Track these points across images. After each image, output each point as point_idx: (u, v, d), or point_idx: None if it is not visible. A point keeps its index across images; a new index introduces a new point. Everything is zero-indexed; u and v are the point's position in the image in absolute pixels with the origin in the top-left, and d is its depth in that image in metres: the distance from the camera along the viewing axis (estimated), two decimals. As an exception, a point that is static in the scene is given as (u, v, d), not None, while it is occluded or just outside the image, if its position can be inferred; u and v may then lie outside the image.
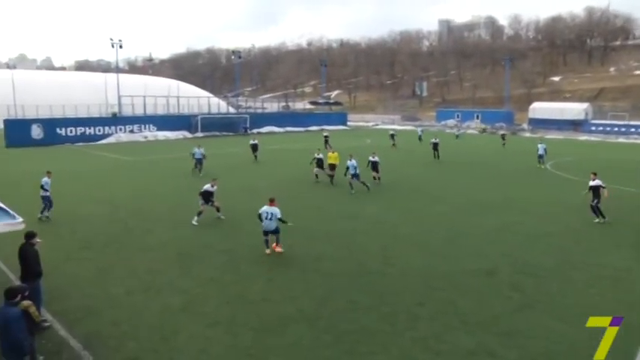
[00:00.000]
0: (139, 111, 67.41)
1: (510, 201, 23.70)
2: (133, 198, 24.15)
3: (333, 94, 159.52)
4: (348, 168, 25.56)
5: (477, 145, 54.99)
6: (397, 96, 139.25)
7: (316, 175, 28.96)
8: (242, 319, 10.97)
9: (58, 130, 54.59)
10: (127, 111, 67.39)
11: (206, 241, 16.78)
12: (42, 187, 19.81)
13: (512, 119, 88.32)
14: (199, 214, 18.98)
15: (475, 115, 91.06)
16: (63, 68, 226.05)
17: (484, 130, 78.12)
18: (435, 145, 40.01)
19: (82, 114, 66.90)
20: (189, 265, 14.45)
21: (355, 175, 25.45)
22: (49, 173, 20.50)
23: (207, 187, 19.26)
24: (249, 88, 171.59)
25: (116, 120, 61.58)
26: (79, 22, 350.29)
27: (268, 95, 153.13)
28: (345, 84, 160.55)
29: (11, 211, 10.28)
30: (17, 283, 10.81)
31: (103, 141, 56.40)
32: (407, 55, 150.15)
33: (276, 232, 15.31)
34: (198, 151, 32.09)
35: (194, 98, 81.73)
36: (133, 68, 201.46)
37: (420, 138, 55.34)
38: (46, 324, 10.47)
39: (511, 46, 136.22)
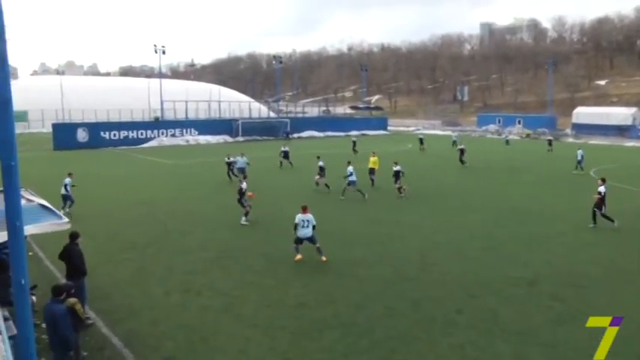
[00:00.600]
0: (180, 115, 68.73)
1: (551, 208, 23.15)
2: (173, 200, 24.62)
3: (374, 98, 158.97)
4: (350, 174, 25.21)
5: (521, 150, 53.90)
6: (438, 101, 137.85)
7: (317, 184, 27.98)
8: (280, 323, 11.05)
9: (102, 133, 56.23)
10: (169, 115, 68.84)
11: (245, 245, 16.98)
12: (64, 186, 21.57)
13: (554, 124, 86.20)
14: (247, 213, 19.85)
15: (517, 120, 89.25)
16: (108, 74, 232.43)
17: (527, 136, 76.55)
18: (462, 152, 39.70)
19: (126, 118, 68.87)
20: (228, 268, 14.64)
21: (352, 182, 25.13)
22: (70, 175, 22.17)
23: (242, 185, 20.29)
24: (290, 93, 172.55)
25: (158, 124, 62.96)
26: (124, 29, 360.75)
27: (309, 100, 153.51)
28: (386, 89, 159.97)
29: (57, 211, 10.63)
30: (63, 281, 11.17)
31: (145, 145, 57.74)
32: (448, 59, 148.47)
33: (312, 240, 15.19)
34: (241, 160, 30.13)
35: (235, 103, 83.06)
36: (176, 73, 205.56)
37: (454, 143, 54.97)
38: (90, 321, 10.79)
39: (554, 49, 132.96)
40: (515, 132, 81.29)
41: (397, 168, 26.47)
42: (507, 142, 62.05)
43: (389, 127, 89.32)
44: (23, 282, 5.91)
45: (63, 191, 21.63)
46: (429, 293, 12.71)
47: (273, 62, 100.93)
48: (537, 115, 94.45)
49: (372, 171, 28.44)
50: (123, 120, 64.92)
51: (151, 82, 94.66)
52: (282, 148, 38.46)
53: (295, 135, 70.86)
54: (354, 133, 70.03)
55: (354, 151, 46.72)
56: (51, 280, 12.66)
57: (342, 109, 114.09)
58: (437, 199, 25.46)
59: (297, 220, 15.15)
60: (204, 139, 63.07)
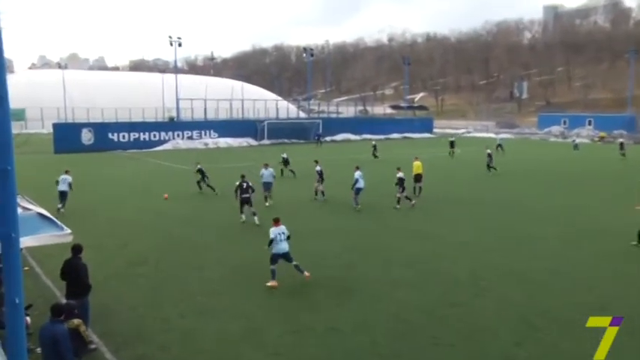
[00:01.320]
0: (198, 115, 69.66)
1: (628, 227, 22.51)
2: (189, 210, 24.84)
3: (417, 96, 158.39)
4: (357, 181, 25.34)
5: (590, 156, 52.85)
6: (492, 98, 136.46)
7: (315, 192, 28.16)
8: (308, 352, 10.97)
9: (109, 135, 57.48)
10: (186, 115, 69.84)
11: (268, 261, 16.95)
12: (68, 184, 24.34)
13: (634, 125, 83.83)
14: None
15: (587, 121, 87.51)
16: (116, 68, 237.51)
17: (601, 139, 74.80)
18: (490, 156, 39.70)
19: (137, 118, 69.96)
20: (249, 287, 14.65)
21: (358, 190, 25.23)
22: (67, 172, 24.94)
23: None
24: (322, 90, 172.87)
25: (173, 125, 63.94)
26: (135, 18, 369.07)
27: (343, 98, 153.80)
28: (432, 85, 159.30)
29: (57, 222, 10.79)
30: (63, 300, 11.32)
31: (159, 148, 58.69)
32: (504, 49, 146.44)
33: (288, 257, 15.00)
34: (266, 173, 26.87)
35: (260, 101, 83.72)
36: (193, 68, 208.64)
37: (498, 147, 54.80)
38: (93, 346, 10.87)
39: (638, 33, 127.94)
40: (585, 134, 79.71)
41: (400, 175, 26.38)
42: (576, 146, 60.91)
43: (435, 130, 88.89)
44: (17, 301, 5.89)
45: (64, 188, 24.16)
46: (482, 322, 12.45)
47: (304, 55, 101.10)
48: (613, 114, 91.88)
49: (417, 177, 28.98)
50: (133, 120, 66.03)
51: (166, 77, 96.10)
52: (282, 155, 38.45)
53: (328, 138, 71.04)
54: (374, 137, 69.72)
55: (375, 156, 48.57)
56: (49, 298, 12.84)
57: (381, 109, 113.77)
58: (490, 211, 25.10)
59: (272, 235, 14.85)
60: (225, 142, 63.82)
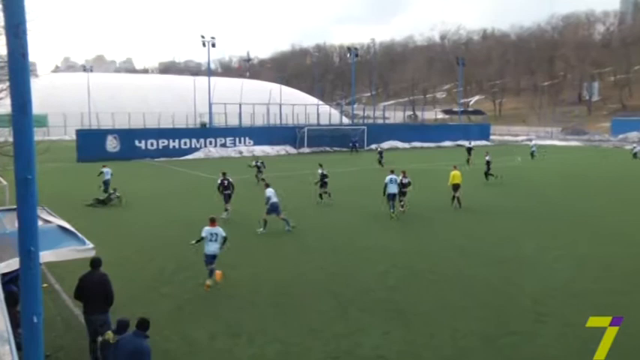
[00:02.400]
0: (233, 121, 70.40)
1: None
2: (221, 223, 25.02)
3: (473, 100, 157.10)
4: (386, 185, 26.58)
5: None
6: (557, 101, 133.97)
7: (320, 196, 30.70)
8: (348, 381, 10.91)
9: (136, 142, 58.48)
10: (219, 121, 70.63)
11: (310, 279, 16.98)
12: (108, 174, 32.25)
13: None
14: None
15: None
16: (145, 71, 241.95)
17: None
18: (488, 164, 40.06)
19: (166, 124, 71.20)
20: (285, 308, 14.66)
21: (392, 195, 26.38)
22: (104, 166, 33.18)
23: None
24: (367, 94, 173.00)
25: (206, 132, 64.77)
26: (165, 18, 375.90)
27: (391, 102, 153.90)
28: (489, 87, 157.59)
29: (80, 235, 10.98)
30: (81, 318, 11.51)
31: (189, 156, 59.50)
32: (573, 47, 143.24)
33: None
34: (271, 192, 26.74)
35: (300, 106, 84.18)
36: (227, 70, 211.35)
37: (532, 155, 54.39)
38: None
39: None
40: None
41: (406, 180, 27.85)
42: (635, 155, 61.03)
43: (492, 137, 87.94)
44: (36, 320, 5.96)
45: (107, 177, 32.40)
46: (544, 352, 12.23)
47: (348, 56, 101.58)
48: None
49: (455, 187, 29.44)
50: (162, 126, 67.16)
51: (198, 80, 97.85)
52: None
53: (374, 146, 70.88)
54: (383, 145, 69.29)
55: (380, 164, 49.05)
56: (68, 318, 13.09)
57: (432, 114, 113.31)
58: (552, 225, 24.67)
59: (203, 234, 16.35)
60: (262, 149, 64.29)
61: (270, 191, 23.90)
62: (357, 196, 33.31)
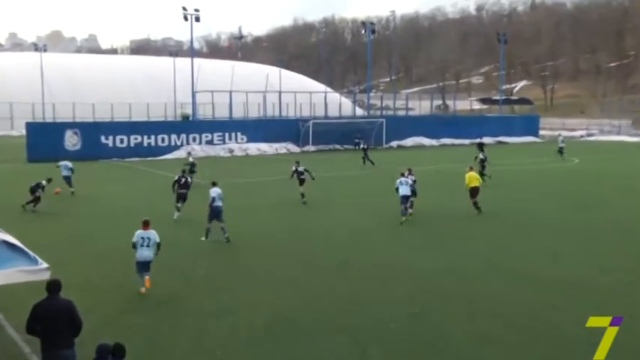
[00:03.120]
0: (221, 113, 70.34)
1: None
2: (207, 240, 24.96)
3: (518, 86, 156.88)
4: (397, 189, 28.13)
5: None
6: (626, 88, 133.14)
7: (302, 195, 33.41)
8: None
9: (102, 139, 58.43)
10: (205, 113, 70.56)
11: (317, 306, 16.83)
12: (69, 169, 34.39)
13: None
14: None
15: None
16: (114, 51, 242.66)
17: None
18: (482, 162, 41.42)
19: (139, 116, 71.09)
20: (288, 344, 14.53)
21: (404, 198, 27.85)
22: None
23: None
24: (387, 79, 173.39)
25: (188, 125, 64.77)
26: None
27: (415, 89, 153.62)
28: (537, 70, 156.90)
29: (31, 253, 10.84)
30: (34, 357, 11.35)
31: (169, 155, 59.31)
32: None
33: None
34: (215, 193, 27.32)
35: (304, 94, 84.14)
36: (215, 50, 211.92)
37: (560, 151, 56.79)
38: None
39: None
40: None
41: (412, 179, 29.25)
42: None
43: (541, 132, 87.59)
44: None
45: (66, 173, 35.21)
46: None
47: (362, 32, 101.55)
48: None
49: (473, 192, 30.14)
50: (135, 119, 66.93)
51: (178, 62, 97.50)
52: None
53: (394, 143, 70.79)
54: (455, 141, 69.60)
55: (364, 160, 51.77)
56: (15, 356, 12.94)
57: (466, 104, 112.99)
58: (606, 240, 24.51)
59: (135, 239, 17.90)
60: (257, 148, 64.23)
61: (215, 191, 24.79)
62: (369, 201, 33.35)
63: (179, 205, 28.83)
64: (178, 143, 61.43)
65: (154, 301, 17.39)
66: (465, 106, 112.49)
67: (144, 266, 17.61)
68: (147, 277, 17.53)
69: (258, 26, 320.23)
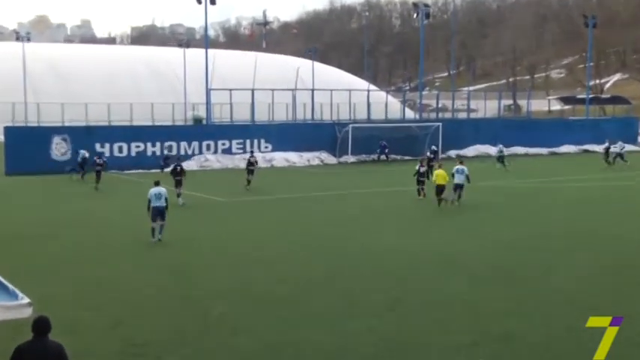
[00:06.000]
0: (241, 115, 70.15)
1: None
2: (226, 270, 25.01)
3: (610, 81, 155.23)
4: (453, 175, 37.88)
5: None
6: None
7: (248, 182, 45.55)
8: None
9: (97, 147, 57.77)
10: (222, 115, 70.54)
11: (359, 353, 16.78)
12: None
13: None
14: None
15: None
16: (111, 40, 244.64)
17: None
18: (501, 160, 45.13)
19: (142, 120, 71.18)
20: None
21: (458, 186, 37.34)
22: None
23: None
24: (444, 74, 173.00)
25: (201, 131, 64.94)
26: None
27: (480, 86, 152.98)
28: (635, 61, 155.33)
29: (10, 285, 10.89)
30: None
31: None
32: None
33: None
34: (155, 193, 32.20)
35: (341, 92, 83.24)
36: (234, 40, 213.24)
37: (618, 157, 58.87)
38: None
39: None
40: None
41: (423, 169, 39.83)
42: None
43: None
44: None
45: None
46: None
47: (414, 16, 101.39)
48: None
49: (440, 189, 37.67)
50: (137, 123, 66.97)
51: (190, 54, 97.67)
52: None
53: (453, 153, 70.36)
54: (529, 150, 68.55)
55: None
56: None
57: (543, 104, 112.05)
58: None
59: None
60: (285, 158, 64.04)
61: (152, 192, 28.82)
62: (418, 223, 33.26)
63: (178, 190, 39.34)
64: (189, 152, 61.42)
65: (156, 347, 17.39)
66: (541, 107, 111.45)
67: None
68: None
69: (286, 10, 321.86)
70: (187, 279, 23.91)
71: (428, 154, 63.38)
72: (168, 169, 44.32)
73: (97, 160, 47.95)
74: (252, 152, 51.09)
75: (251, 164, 46.72)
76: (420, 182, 41.05)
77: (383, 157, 68.84)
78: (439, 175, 38.54)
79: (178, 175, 39.75)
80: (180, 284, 23.24)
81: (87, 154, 50.94)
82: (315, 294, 21.93)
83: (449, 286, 22.95)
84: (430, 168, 49.20)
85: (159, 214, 28.82)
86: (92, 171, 47.89)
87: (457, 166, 38.38)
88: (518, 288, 22.79)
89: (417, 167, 41.53)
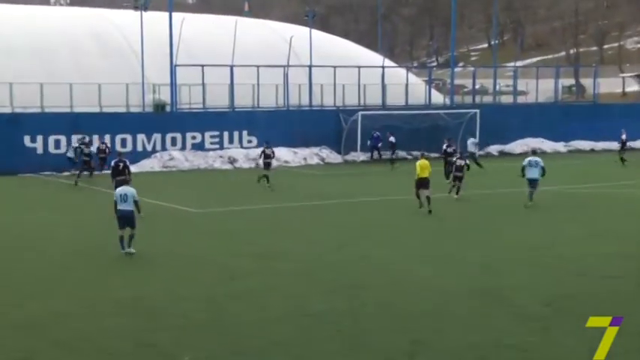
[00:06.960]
0: (217, 99, 70.10)
1: None
2: (206, 300, 25.39)
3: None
4: (524, 167, 41.00)
5: None
6: None
7: (258, 179, 49.86)
8: None
9: (27, 140, 59.40)
10: (192, 99, 70.54)
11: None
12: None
13: None
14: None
15: None
16: (46, 1, 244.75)
17: None
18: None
19: (87, 106, 71.28)
20: None
21: (532, 181, 40.70)
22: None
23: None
24: (482, 45, 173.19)
25: (165, 120, 65.08)
26: None
27: (531, 61, 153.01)
28: None
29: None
30: None
31: (133, 167, 58.96)
32: None
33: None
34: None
35: (348, 69, 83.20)
36: (207, 1, 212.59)
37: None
38: None
39: None
40: None
41: (451, 149, 41.36)
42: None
43: None
44: None
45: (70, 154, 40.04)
46: None
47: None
48: None
49: (422, 182, 39.24)
50: (79, 109, 66.85)
51: (148, 20, 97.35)
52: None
53: (493, 148, 70.61)
54: (511, 145, 69.31)
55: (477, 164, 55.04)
56: None
57: (615, 83, 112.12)
58: None
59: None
60: (275, 156, 64.06)
61: (122, 191, 29.39)
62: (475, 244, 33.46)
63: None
64: (149, 148, 62.00)
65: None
66: (613, 88, 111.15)
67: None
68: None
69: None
70: (156, 315, 24.24)
71: (444, 147, 62.31)
72: (108, 170, 43.69)
73: (101, 147, 53.29)
74: (267, 142, 53.32)
75: (267, 157, 49.85)
76: (451, 174, 44.43)
77: (387, 155, 67.07)
78: (421, 165, 39.65)
79: (121, 174, 37.79)
80: (139, 325, 23.58)
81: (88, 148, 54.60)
82: (314, 336, 22.30)
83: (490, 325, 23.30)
84: (448, 164, 48.93)
85: (125, 220, 28.68)
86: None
87: (530, 158, 42.13)
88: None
89: (443, 147, 45.80)
